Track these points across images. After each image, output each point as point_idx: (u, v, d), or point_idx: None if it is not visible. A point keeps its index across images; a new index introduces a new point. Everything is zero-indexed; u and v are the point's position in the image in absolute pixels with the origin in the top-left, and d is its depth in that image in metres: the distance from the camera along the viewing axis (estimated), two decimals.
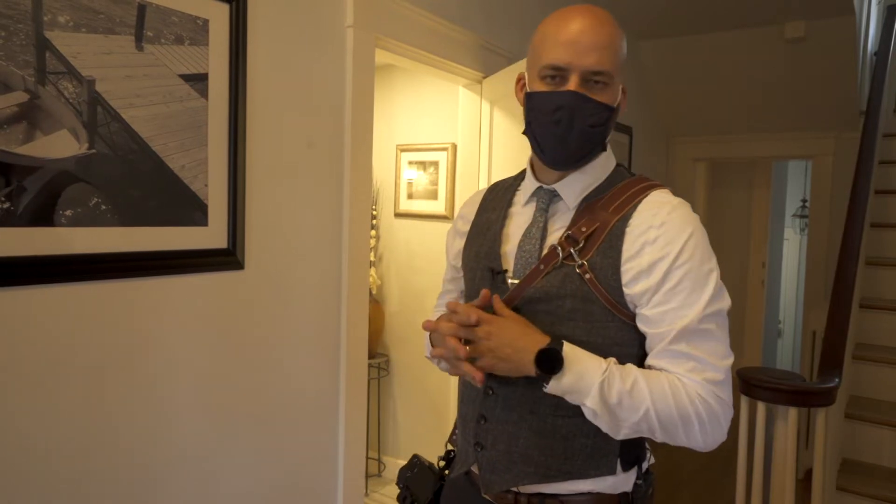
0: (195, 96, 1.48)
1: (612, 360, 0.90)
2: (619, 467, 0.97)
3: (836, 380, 2.11)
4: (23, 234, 1.20)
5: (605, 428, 0.89)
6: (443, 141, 3.22)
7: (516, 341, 0.87)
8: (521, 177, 1.12)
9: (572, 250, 0.94)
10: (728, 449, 3.88)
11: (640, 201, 0.95)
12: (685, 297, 0.88)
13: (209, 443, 1.59)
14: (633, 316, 0.94)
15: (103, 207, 1.32)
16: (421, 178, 3.29)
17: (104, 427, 1.37)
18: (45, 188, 1.23)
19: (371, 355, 3.33)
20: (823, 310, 2.59)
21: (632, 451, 0.99)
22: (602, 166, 1.02)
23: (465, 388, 1.07)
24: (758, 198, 5.66)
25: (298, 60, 1.75)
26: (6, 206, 1.18)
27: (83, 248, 1.29)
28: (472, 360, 0.94)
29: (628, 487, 0.99)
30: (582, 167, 1.00)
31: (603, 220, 0.95)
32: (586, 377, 0.86)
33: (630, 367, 0.90)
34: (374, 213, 3.46)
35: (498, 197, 1.12)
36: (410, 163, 3.34)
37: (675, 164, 4.59)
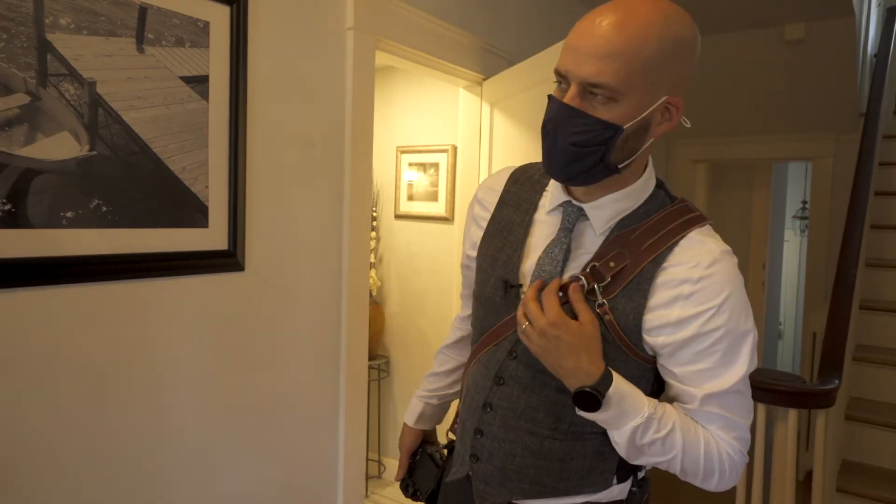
0: (196, 98, 1.49)
1: (655, 402, 0.87)
2: (614, 481, 0.96)
3: (836, 381, 2.11)
4: (23, 235, 1.21)
5: (621, 453, 0.88)
6: (443, 143, 3.22)
7: (566, 361, 0.81)
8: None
9: (596, 286, 0.87)
10: None
11: (677, 242, 0.87)
12: (719, 359, 0.84)
13: (210, 444, 1.59)
14: (649, 359, 0.90)
15: (104, 209, 1.32)
16: (421, 180, 3.30)
17: (105, 428, 1.37)
18: (45, 190, 1.23)
19: (371, 357, 3.33)
20: (824, 311, 2.59)
21: (628, 466, 0.97)
22: (639, 190, 0.91)
23: (467, 392, 1.04)
24: (758, 199, 5.66)
25: (299, 62, 1.76)
26: (7, 207, 1.18)
27: (84, 250, 1.30)
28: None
29: (623, 496, 0.98)
30: (614, 189, 0.90)
31: (633, 259, 0.87)
32: (623, 419, 0.83)
33: (670, 412, 0.86)
34: (375, 214, 3.47)
35: (523, 194, 1.01)
36: (411, 164, 3.34)
37: (675, 166, 4.59)
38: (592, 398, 0.81)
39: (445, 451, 1.19)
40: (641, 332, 0.87)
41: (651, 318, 0.85)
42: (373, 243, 3.42)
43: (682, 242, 0.87)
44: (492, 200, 1.05)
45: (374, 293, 3.40)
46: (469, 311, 1.15)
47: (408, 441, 1.23)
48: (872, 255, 3.34)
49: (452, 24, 2.28)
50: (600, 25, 0.80)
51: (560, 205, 0.94)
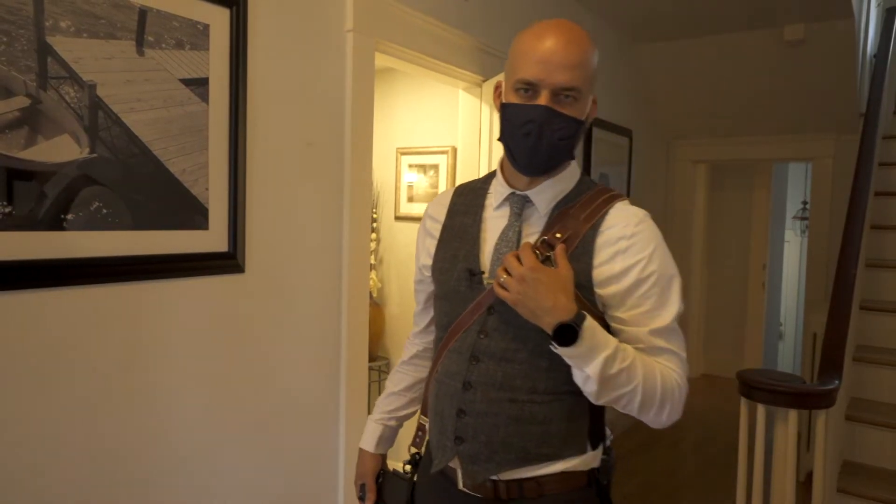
0: (196, 100, 1.49)
1: (620, 342, 0.98)
2: (588, 446, 1.06)
3: (837, 382, 2.11)
4: (24, 237, 1.21)
5: (589, 391, 0.96)
6: (443, 144, 3.22)
7: (545, 300, 0.91)
8: (488, 180, 1.17)
9: (548, 254, 1.01)
10: (728, 451, 3.87)
11: (607, 211, 1.05)
12: (657, 299, 1.00)
13: (210, 444, 1.59)
14: (600, 315, 1.03)
15: (104, 211, 1.33)
16: (421, 181, 3.30)
17: (105, 428, 1.37)
18: (46, 192, 1.24)
19: (371, 358, 3.34)
20: (824, 312, 2.59)
21: (597, 430, 1.08)
22: (570, 176, 1.09)
23: (439, 385, 1.11)
24: (758, 200, 5.66)
25: (298, 65, 1.76)
26: (8, 209, 1.18)
27: (84, 252, 1.30)
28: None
29: (596, 464, 1.07)
30: (552, 175, 1.07)
31: (575, 228, 1.03)
32: (595, 351, 0.92)
33: (629, 348, 0.98)
34: (375, 216, 3.47)
35: (469, 201, 1.16)
36: (410, 166, 3.35)
37: (676, 167, 4.59)
38: (571, 330, 0.91)
39: (409, 466, 1.22)
40: (593, 286, 1.01)
41: (599, 273, 1.01)
42: (373, 245, 3.42)
43: (612, 211, 1.05)
44: (441, 212, 1.19)
45: (374, 294, 3.40)
46: (423, 325, 1.27)
47: (370, 466, 1.27)
48: (872, 256, 3.34)
49: (452, 26, 2.29)
50: (563, 42, 0.99)
51: (506, 198, 1.10)
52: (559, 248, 0.94)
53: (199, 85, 1.50)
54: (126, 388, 1.40)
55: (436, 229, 1.18)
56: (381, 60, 2.10)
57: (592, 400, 0.98)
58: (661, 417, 1.00)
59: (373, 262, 3.44)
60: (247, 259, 1.64)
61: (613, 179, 3.75)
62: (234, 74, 1.57)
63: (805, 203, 6.04)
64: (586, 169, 3.39)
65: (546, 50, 0.99)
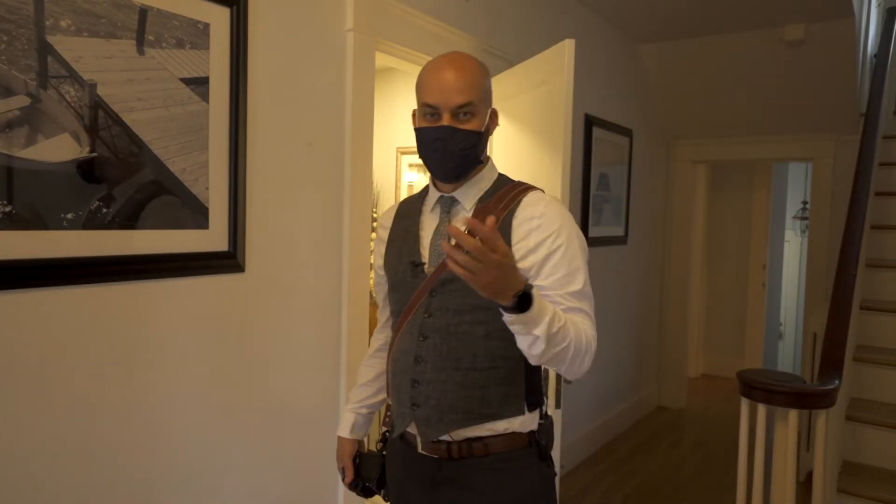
0: (196, 100, 1.49)
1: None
2: (525, 409, 1.22)
3: (837, 382, 2.11)
4: (24, 236, 1.21)
5: (536, 352, 1.07)
6: None
7: (510, 278, 1.00)
8: (425, 191, 1.36)
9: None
10: (728, 451, 3.87)
11: (521, 199, 1.23)
12: (568, 264, 1.18)
13: (209, 445, 1.59)
14: None
15: (104, 210, 1.33)
16: (421, 181, 3.30)
17: (104, 429, 1.37)
18: (46, 191, 1.24)
19: None
20: (824, 312, 2.59)
21: (533, 395, 1.25)
22: (487, 176, 1.28)
23: (395, 363, 1.27)
24: (758, 200, 5.66)
25: (299, 64, 1.76)
26: (8, 208, 1.18)
27: (84, 252, 1.30)
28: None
29: (534, 426, 1.24)
30: (471, 177, 1.26)
31: (495, 215, 1.15)
32: (542, 312, 1.04)
33: (558, 310, 1.12)
34: (375, 215, 3.47)
35: (410, 208, 1.36)
36: (411, 165, 3.35)
37: (676, 167, 4.59)
38: (528, 297, 1.02)
39: (381, 445, 1.39)
40: (514, 261, 1.12)
41: (518, 249, 1.18)
42: (373, 244, 3.42)
43: (525, 199, 1.23)
44: (389, 220, 1.39)
45: (374, 294, 3.40)
46: (384, 320, 1.45)
47: (347, 449, 1.43)
48: (873, 256, 3.34)
49: (452, 26, 2.29)
50: (453, 71, 1.19)
51: (437, 201, 1.28)
52: (490, 219, 1.00)
53: (199, 84, 1.50)
54: (126, 388, 1.40)
55: (385, 234, 1.38)
56: (381, 60, 2.10)
57: (534, 361, 1.10)
58: (582, 368, 1.15)
59: (372, 261, 3.44)
60: (247, 258, 1.64)
61: (613, 179, 3.75)
62: (234, 74, 1.57)
63: (805, 203, 6.04)
64: (586, 169, 3.38)
65: (442, 77, 1.19)
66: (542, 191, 1.27)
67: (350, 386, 1.94)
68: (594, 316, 1.21)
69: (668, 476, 3.53)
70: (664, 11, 3.40)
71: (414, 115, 1.28)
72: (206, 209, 1.53)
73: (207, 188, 1.53)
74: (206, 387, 1.57)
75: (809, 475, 2.71)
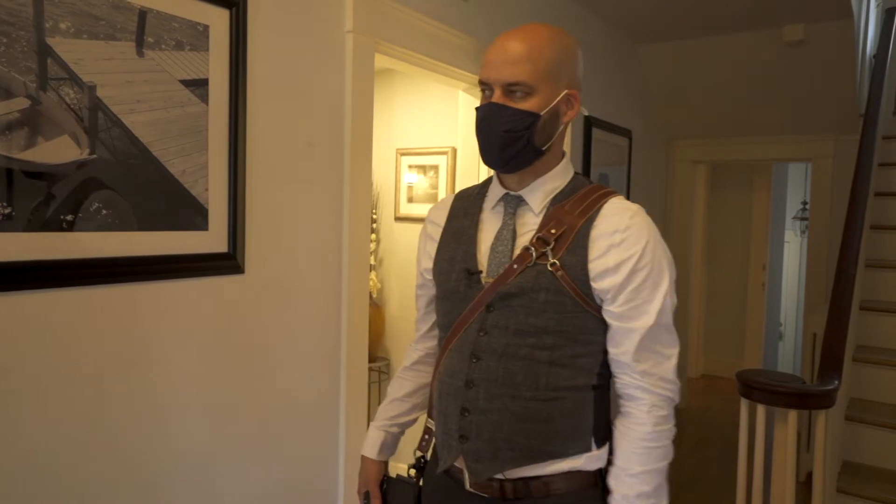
0: (195, 101, 1.49)
1: (625, 480, 1.04)
2: (593, 445, 1.07)
3: (836, 382, 2.11)
4: (23, 238, 1.21)
5: None
6: (443, 145, 3.23)
7: None
8: (486, 185, 1.20)
9: (544, 250, 1.04)
10: (728, 451, 3.87)
11: (601, 206, 1.07)
12: (649, 292, 1.03)
13: (209, 447, 1.59)
14: (598, 308, 1.05)
15: (104, 212, 1.33)
16: (421, 182, 3.30)
17: (104, 431, 1.37)
18: (46, 194, 1.24)
19: (371, 359, 3.34)
20: (824, 312, 2.59)
21: (603, 429, 1.09)
22: (561, 174, 1.12)
23: (441, 385, 1.12)
24: (758, 200, 5.66)
25: (298, 65, 1.76)
26: (7, 210, 1.18)
27: (84, 253, 1.30)
28: None
29: (602, 464, 1.08)
30: (541, 173, 1.10)
31: (570, 223, 1.05)
32: None
33: (623, 481, 1.03)
34: (375, 216, 3.47)
35: (468, 204, 1.20)
36: (410, 167, 3.35)
37: (675, 167, 4.59)
38: None
39: (413, 471, 1.23)
40: (589, 280, 1.03)
41: (594, 267, 1.03)
42: (373, 245, 3.42)
43: (606, 206, 1.07)
44: (442, 216, 1.22)
45: (374, 295, 3.40)
46: (425, 329, 1.29)
47: (373, 472, 1.27)
48: (872, 256, 3.34)
49: (451, 27, 2.29)
50: (512, 42, 1.04)
51: (500, 199, 1.13)
52: None
53: (198, 86, 1.50)
54: (126, 389, 1.40)
55: (436, 233, 1.21)
56: (380, 61, 2.10)
57: None
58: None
59: (372, 262, 3.44)
60: (246, 259, 1.64)
61: (613, 180, 3.75)
62: (233, 75, 1.57)
63: (805, 203, 6.04)
64: (586, 169, 3.39)
65: (496, 50, 1.05)
66: (622, 195, 1.11)
67: (350, 386, 1.94)
68: (676, 351, 1.06)
69: (668, 476, 3.52)
70: (664, 12, 3.40)
71: None
72: (206, 210, 1.53)
73: (207, 189, 1.53)
74: (206, 387, 1.57)
75: (809, 475, 2.71)
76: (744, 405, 2.18)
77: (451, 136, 3.14)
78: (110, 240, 1.34)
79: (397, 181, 3.40)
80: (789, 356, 6.42)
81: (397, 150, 3.40)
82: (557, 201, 1.09)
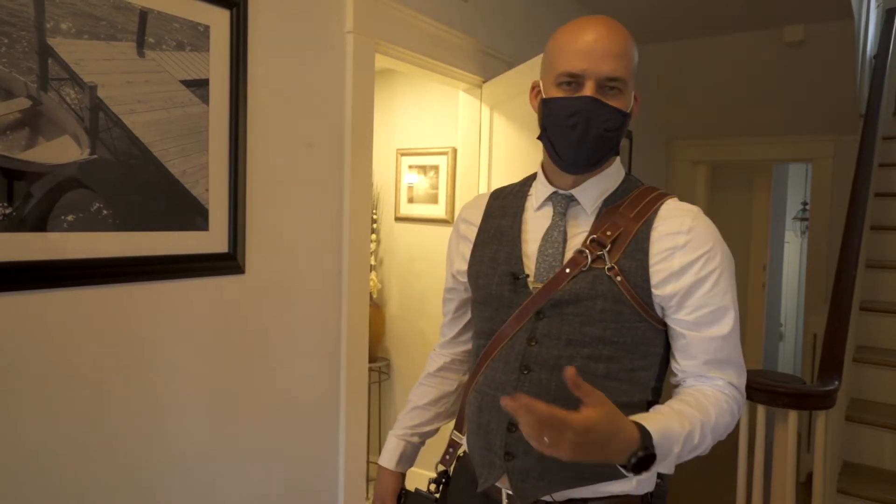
0: (196, 102, 1.49)
1: (681, 415, 0.90)
2: None
3: (836, 382, 2.11)
4: (25, 238, 1.21)
5: (662, 470, 0.91)
6: (443, 145, 3.23)
7: (608, 448, 0.81)
8: (527, 182, 1.13)
9: (600, 253, 0.97)
10: (728, 452, 3.87)
11: (658, 207, 1.00)
12: (719, 300, 0.95)
13: (209, 447, 1.59)
14: (658, 318, 0.98)
15: (104, 212, 1.33)
16: (421, 183, 3.30)
17: (105, 432, 1.37)
18: (47, 193, 1.24)
19: (372, 359, 3.34)
20: (824, 312, 2.59)
21: None
22: (615, 173, 1.05)
23: (482, 397, 1.04)
24: (758, 200, 5.66)
25: (299, 66, 1.76)
26: (9, 211, 1.18)
27: (84, 253, 1.30)
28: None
29: (651, 487, 1.01)
30: (597, 172, 1.03)
31: (626, 225, 0.98)
32: (667, 455, 0.86)
33: (692, 414, 0.91)
34: (375, 217, 3.47)
35: (507, 203, 1.12)
36: (411, 167, 3.35)
37: (675, 167, 4.59)
38: (650, 459, 0.82)
39: (434, 486, 1.17)
40: (650, 286, 0.96)
41: (656, 272, 0.95)
42: (373, 245, 3.42)
43: (663, 207, 1.00)
44: (477, 216, 1.14)
45: (374, 295, 3.40)
46: (452, 335, 1.22)
47: (391, 485, 1.20)
48: (872, 257, 3.34)
49: (452, 27, 2.29)
50: (605, 32, 0.97)
51: (548, 198, 1.05)
52: (572, 376, 0.78)
53: (199, 86, 1.50)
54: (125, 389, 1.40)
55: (471, 232, 1.13)
56: (381, 62, 2.10)
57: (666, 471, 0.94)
58: (726, 432, 0.98)
59: (373, 263, 3.45)
60: (247, 260, 1.64)
61: None
62: (234, 75, 1.57)
63: (805, 204, 6.04)
64: None
65: (590, 40, 0.96)
66: (678, 198, 1.05)
67: (350, 387, 1.94)
68: (743, 361, 1.01)
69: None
70: (664, 12, 3.40)
71: (535, 88, 1.05)
72: (206, 211, 1.53)
73: (207, 190, 1.53)
74: (206, 387, 1.57)
75: (809, 476, 2.71)
76: (744, 405, 2.18)
77: (452, 137, 3.14)
78: (111, 240, 1.34)
79: (397, 181, 3.40)
80: (789, 356, 6.42)
81: (397, 150, 3.40)
82: (611, 202, 1.02)
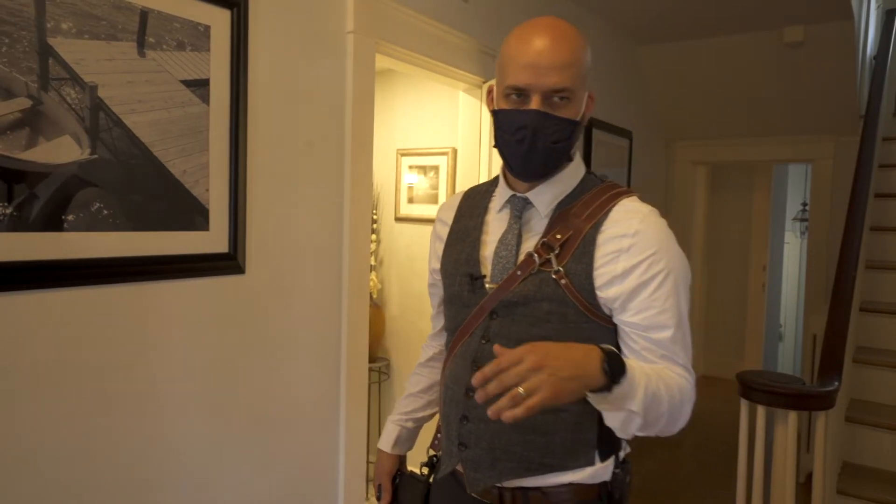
0: (196, 102, 1.49)
1: (637, 362, 0.93)
2: (597, 458, 1.02)
3: (836, 383, 2.11)
4: (24, 238, 1.21)
5: (630, 429, 0.91)
6: (443, 145, 3.23)
7: (571, 356, 0.82)
8: (495, 182, 1.15)
9: (548, 257, 0.99)
10: (728, 452, 3.87)
11: (611, 209, 1.00)
12: (662, 302, 0.95)
13: (210, 446, 1.59)
14: (606, 318, 1.00)
15: (105, 212, 1.33)
16: (421, 183, 3.30)
17: (105, 431, 1.37)
18: (46, 194, 1.24)
19: (371, 359, 3.34)
20: (824, 313, 2.59)
21: (608, 442, 1.03)
22: (572, 175, 1.07)
23: (446, 389, 1.11)
24: (758, 201, 5.66)
25: (299, 66, 1.76)
26: (9, 210, 1.19)
27: (85, 253, 1.30)
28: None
29: (607, 477, 1.03)
30: (551, 177, 1.04)
31: (576, 228, 1.00)
32: (635, 384, 0.86)
33: (647, 366, 0.93)
34: (375, 217, 3.47)
35: (475, 203, 1.16)
36: (411, 167, 3.35)
37: (676, 168, 4.59)
38: (616, 355, 0.83)
39: (426, 469, 1.22)
40: (595, 289, 0.98)
41: (600, 274, 0.97)
42: (373, 246, 3.42)
43: (615, 209, 1.00)
44: (450, 215, 1.18)
45: (374, 296, 3.40)
46: (438, 328, 1.26)
47: (387, 466, 1.27)
48: (872, 257, 3.34)
49: (452, 28, 2.29)
50: (550, 43, 0.96)
51: (507, 200, 1.07)
52: (497, 349, 0.81)
53: (199, 86, 1.50)
54: (126, 389, 1.40)
55: (444, 232, 1.18)
56: (381, 62, 2.10)
57: (628, 436, 0.93)
58: (675, 427, 0.96)
59: (373, 263, 3.45)
60: (247, 260, 1.64)
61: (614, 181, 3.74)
62: (234, 75, 1.57)
63: (805, 204, 6.04)
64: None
65: (535, 53, 0.96)
66: (637, 196, 1.05)
67: (349, 386, 1.94)
68: (691, 363, 0.98)
69: (668, 477, 3.53)
70: (664, 13, 3.40)
71: (490, 93, 1.06)
72: (207, 211, 1.53)
73: (208, 190, 1.53)
74: (207, 387, 1.57)
75: (809, 476, 2.71)
76: (744, 406, 2.18)
77: (452, 137, 3.14)
78: (111, 240, 1.34)
79: (398, 181, 3.40)
80: (789, 357, 6.42)
81: (398, 150, 3.40)
82: (565, 204, 1.04)
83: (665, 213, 3.92)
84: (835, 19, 3.30)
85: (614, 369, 0.84)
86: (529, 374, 0.78)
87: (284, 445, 1.79)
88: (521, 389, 0.78)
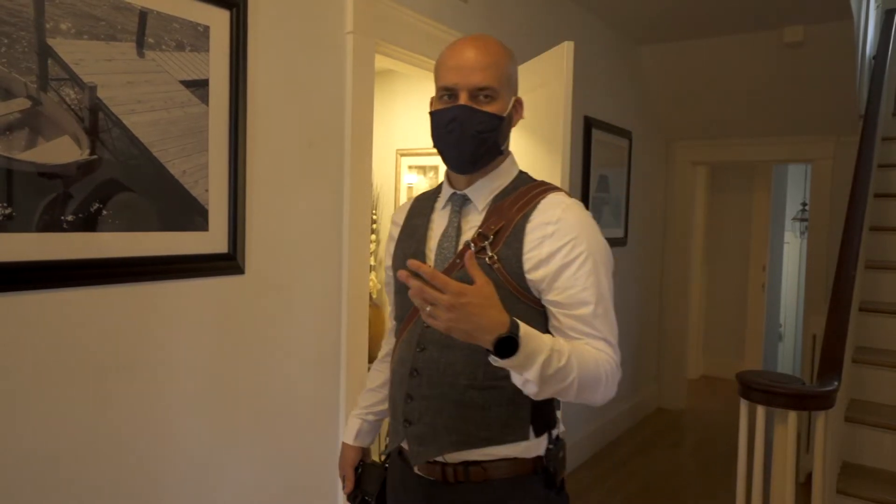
0: (196, 102, 1.49)
1: (551, 336, 1.01)
2: (531, 433, 1.12)
3: (836, 383, 2.11)
4: (24, 239, 1.21)
5: (530, 392, 0.98)
6: None
7: (480, 319, 0.90)
8: (440, 188, 1.27)
9: (483, 245, 1.10)
10: (728, 452, 3.87)
11: (539, 201, 1.12)
12: (584, 281, 1.06)
13: (210, 446, 1.59)
14: (535, 300, 1.10)
15: (104, 213, 1.33)
16: (421, 183, 3.30)
17: (106, 430, 1.37)
18: (45, 194, 1.24)
19: (371, 359, 3.33)
20: (824, 313, 2.59)
21: (542, 418, 1.13)
22: (506, 172, 1.18)
23: (393, 374, 1.20)
24: (758, 201, 5.66)
25: (299, 66, 1.76)
26: (7, 211, 1.19)
27: (84, 254, 1.30)
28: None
29: (541, 451, 1.13)
30: (487, 173, 1.16)
31: (508, 219, 1.11)
32: (533, 356, 0.94)
33: (563, 343, 1.01)
34: (374, 217, 3.47)
35: (423, 205, 1.27)
36: (410, 167, 3.35)
37: (675, 168, 4.59)
38: (511, 342, 0.91)
39: (384, 457, 1.30)
40: (524, 272, 1.08)
41: (528, 259, 1.08)
42: (372, 246, 3.42)
43: (543, 201, 1.12)
44: (402, 217, 1.30)
45: (373, 296, 3.40)
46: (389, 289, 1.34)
47: (350, 457, 1.35)
48: (872, 257, 3.34)
49: (451, 28, 2.29)
50: (473, 50, 1.10)
51: (449, 198, 1.19)
52: (468, 255, 0.92)
53: (199, 86, 1.50)
54: (126, 389, 1.40)
55: (396, 232, 1.30)
56: (380, 62, 2.10)
57: (532, 397, 1.01)
58: (595, 399, 1.05)
59: (372, 263, 3.44)
60: (247, 260, 1.64)
61: (613, 181, 3.75)
62: (234, 76, 1.57)
63: (804, 204, 6.04)
64: (586, 171, 3.39)
65: (461, 57, 1.10)
66: (567, 193, 1.16)
67: (349, 387, 1.94)
68: (616, 339, 1.09)
69: (669, 477, 3.53)
70: (664, 13, 3.40)
71: (432, 103, 1.18)
72: (206, 211, 1.53)
73: (207, 190, 1.53)
74: (207, 387, 1.57)
75: (809, 476, 2.72)
76: (743, 406, 2.18)
77: None
78: (110, 240, 1.34)
79: (397, 181, 3.40)
80: (789, 357, 6.42)
81: (397, 150, 3.40)
82: (500, 199, 1.15)
83: (665, 213, 3.95)
84: (834, 19, 3.30)
85: (503, 348, 0.91)
86: (440, 304, 0.88)
87: (284, 444, 1.79)
88: (427, 309, 0.89)
